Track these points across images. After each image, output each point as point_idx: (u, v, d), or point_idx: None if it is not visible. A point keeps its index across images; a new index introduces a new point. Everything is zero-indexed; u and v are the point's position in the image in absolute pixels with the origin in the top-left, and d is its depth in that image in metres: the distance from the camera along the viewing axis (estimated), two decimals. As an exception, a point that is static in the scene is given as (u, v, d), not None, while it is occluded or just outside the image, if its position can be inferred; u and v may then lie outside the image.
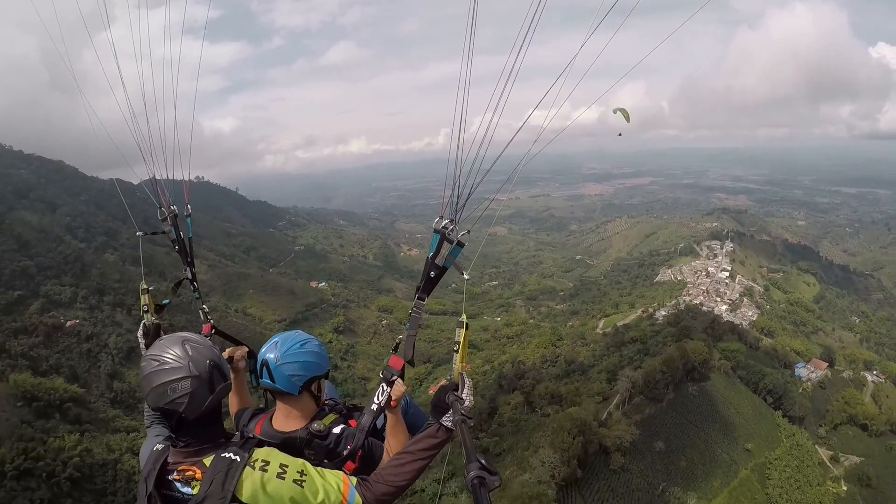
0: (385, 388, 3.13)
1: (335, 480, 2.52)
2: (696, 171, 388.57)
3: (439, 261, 3.04)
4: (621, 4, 2.56)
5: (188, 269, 4.38)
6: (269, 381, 3.13)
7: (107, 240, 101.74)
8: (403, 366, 3.19)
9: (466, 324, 2.93)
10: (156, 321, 3.97)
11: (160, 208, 4.35)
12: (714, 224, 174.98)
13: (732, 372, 75.02)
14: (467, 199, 3.02)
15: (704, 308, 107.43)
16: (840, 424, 74.42)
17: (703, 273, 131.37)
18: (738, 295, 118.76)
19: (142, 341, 3.83)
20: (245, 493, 2.31)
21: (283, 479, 2.37)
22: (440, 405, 2.85)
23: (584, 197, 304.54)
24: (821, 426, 74.64)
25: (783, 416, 71.87)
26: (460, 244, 3.02)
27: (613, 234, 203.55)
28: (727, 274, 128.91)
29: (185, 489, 2.41)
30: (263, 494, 2.33)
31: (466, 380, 2.92)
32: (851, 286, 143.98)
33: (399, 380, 3.16)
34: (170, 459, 2.47)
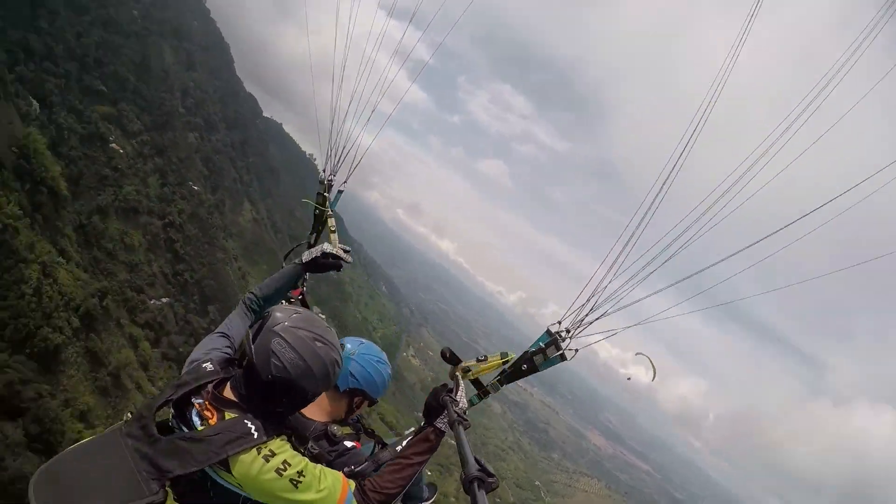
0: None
1: (334, 484, 2.47)
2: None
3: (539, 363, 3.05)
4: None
5: (314, 234, 4.58)
6: None
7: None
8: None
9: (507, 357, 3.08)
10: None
11: (322, 171, 4.64)
12: None
13: None
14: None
15: None
16: None
17: None
18: None
19: (312, 254, 3.70)
20: (237, 469, 2.29)
21: (281, 475, 2.32)
22: (433, 407, 2.81)
23: None
24: None
25: None
26: (563, 357, 3.01)
27: None
28: None
29: (194, 420, 2.40)
30: (254, 481, 2.32)
31: (461, 381, 2.93)
32: None
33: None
34: (206, 388, 2.48)
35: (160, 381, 54.61)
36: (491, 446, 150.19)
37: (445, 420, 2.73)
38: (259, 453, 2.31)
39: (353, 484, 2.56)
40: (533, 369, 3.02)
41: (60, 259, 48.82)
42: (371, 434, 3.38)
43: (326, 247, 3.65)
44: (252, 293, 3.27)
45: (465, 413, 2.78)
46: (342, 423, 3.23)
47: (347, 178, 4.55)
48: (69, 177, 57.11)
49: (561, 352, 2.97)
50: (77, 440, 2.45)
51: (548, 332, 2.99)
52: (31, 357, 40.70)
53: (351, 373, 3.18)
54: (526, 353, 3.04)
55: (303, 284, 4.16)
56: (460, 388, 2.90)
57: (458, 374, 2.98)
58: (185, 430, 2.40)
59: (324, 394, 2.99)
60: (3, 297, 40.60)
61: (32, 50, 60.04)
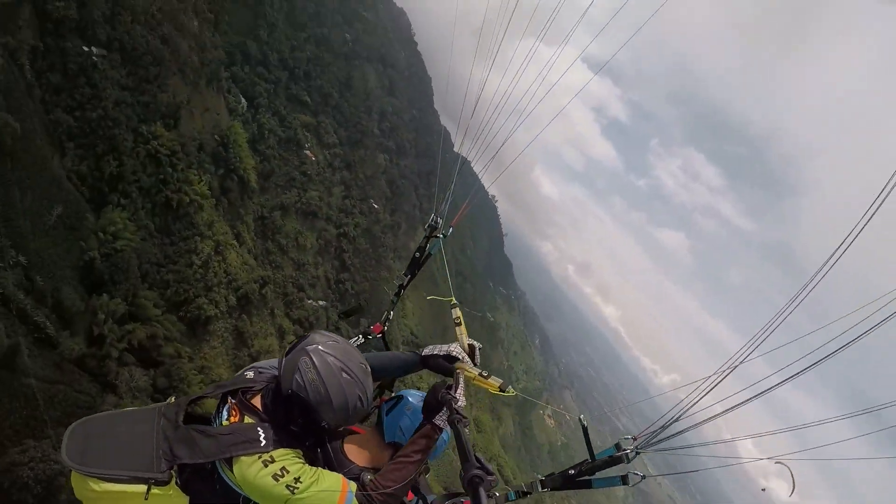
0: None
1: (333, 486, 2.52)
2: None
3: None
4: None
5: (408, 276, 4.36)
6: (384, 412, 3.26)
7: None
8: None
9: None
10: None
11: (434, 213, 4.36)
12: None
13: None
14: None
15: None
16: None
17: None
18: None
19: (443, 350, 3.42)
20: (237, 469, 2.48)
21: (277, 480, 2.43)
22: (432, 404, 2.85)
23: None
24: None
25: None
26: (624, 480, 2.83)
27: None
28: None
29: (218, 417, 2.74)
30: (250, 484, 2.47)
31: (461, 379, 2.95)
32: None
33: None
34: (241, 391, 2.80)
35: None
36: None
37: (445, 417, 2.75)
38: (259, 458, 2.46)
39: (353, 485, 2.59)
40: (586, 484, 2.90)
41: (234, 242, 52.72)
42: (415, 491, 3.17)
43: (455, 349, 3.32)
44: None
45: (464, 411, 2.77)
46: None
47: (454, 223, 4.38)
48: (261, 172, 62.87)
49: (624, 474, 2.81)
50: None
51: (616, 445, 2.85)
52: (182, 320, 43.63)
53: (400, 427, 3.13)
54: (585, 461, 2.92)
55: (385, 323, 4.08)
56: (460, 386, 2.90)
57: (458, 371, 3.03)
58: (214, 424, 2.73)
59: (370, 438, 3.23)
60: (174, 261, 44.42)
61: (249, 54, 68.84)
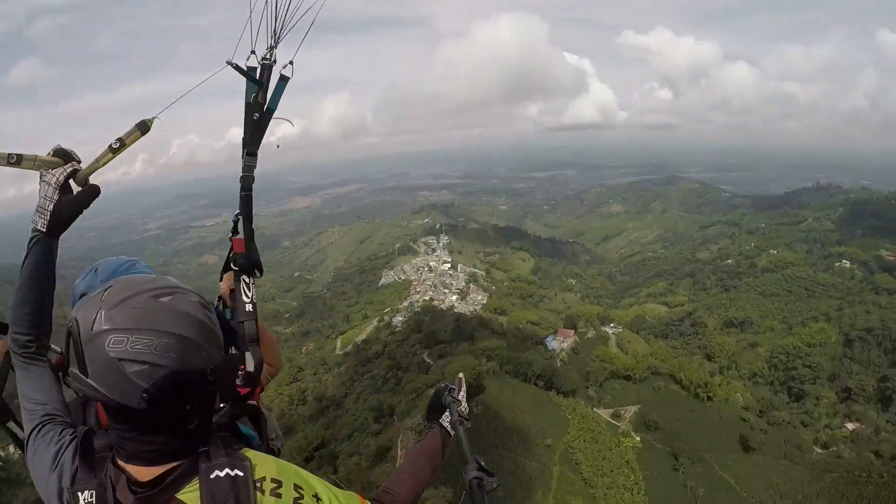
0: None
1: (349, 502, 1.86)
2: (398, 174, 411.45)
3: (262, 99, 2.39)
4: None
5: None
6: None
7: None
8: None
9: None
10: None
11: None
12: (425, 220, 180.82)
13: (501, 370, 72.26)
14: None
15: (436, 303, 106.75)
16: (605, 381, 78.10)
17: (426, 268, 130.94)
18: (463, 283, 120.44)
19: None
20: None
21: None
22: (436, 406, 2.85)
23: (292, 212, 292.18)
24: (588, 387, 76.54)
25: (557, 394, 72.00)
26: (284, 78, 2.38)
27: (328, 244, 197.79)
28: (449, 265, 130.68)
29: None
30: None
31: (463, 382, 2.95)
32: (560, 254, 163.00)
33: None
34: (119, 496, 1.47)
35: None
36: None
37: (449, 420, 2.74)
38: (264, 493, 1.52)
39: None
40: (269, 111, 2.42)
41: None
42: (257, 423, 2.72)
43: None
44: (18, 334, 1.89)
45: (466, 414, 2.80)
46: None
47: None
48: None
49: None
50: None
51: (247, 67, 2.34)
52: None
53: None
54: (247, 104, 2.43)
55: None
56: (462, 389, 2.91)
57: (460, 375, 3.03)
58: None
59: None
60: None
61: None
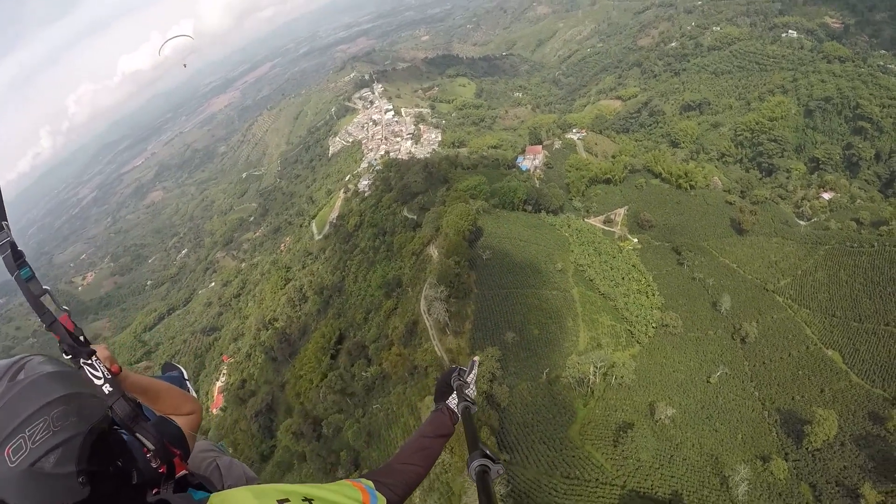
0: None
1: (349, 494, 2.06)
2: (308, 38, 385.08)
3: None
4: None
5: None
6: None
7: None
8: None
9: None
10: None
11: None
12: (352, 75, 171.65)
13: (491, 208, 72.81)
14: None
15: (393, 154, 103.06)
16: (587, 188, 79.00)
17: (371, 123, 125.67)
18: (413, 126, 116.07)
19: None
20: None
21: None
22: (443, 388, 2.78)
23: (216, 114, 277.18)
24: (572, 199, 77.69)
25: (547, 213, 72.68)
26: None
27: (263, 133, 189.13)
28: (392, 112, 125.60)
29: None
30: None
31: (476, 365, 2.87)
32: (499, 70, 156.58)
33: None
34: None
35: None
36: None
37: (457, 402, 2.68)
38: None
39: (370, 483, 2.20)
40: None
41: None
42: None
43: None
44: None
45: (474, 398, 2.72)
46: None
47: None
48: None
49: None
50: None
51: None
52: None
53: None
54: None
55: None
56: (474, 372, 2.83)
57: (475, 358, 2.92)
58: None
59: None
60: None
61: None
